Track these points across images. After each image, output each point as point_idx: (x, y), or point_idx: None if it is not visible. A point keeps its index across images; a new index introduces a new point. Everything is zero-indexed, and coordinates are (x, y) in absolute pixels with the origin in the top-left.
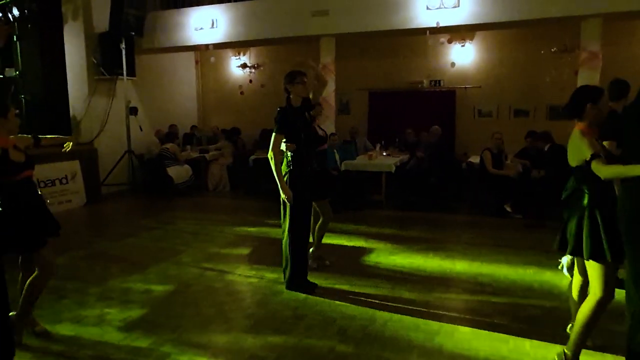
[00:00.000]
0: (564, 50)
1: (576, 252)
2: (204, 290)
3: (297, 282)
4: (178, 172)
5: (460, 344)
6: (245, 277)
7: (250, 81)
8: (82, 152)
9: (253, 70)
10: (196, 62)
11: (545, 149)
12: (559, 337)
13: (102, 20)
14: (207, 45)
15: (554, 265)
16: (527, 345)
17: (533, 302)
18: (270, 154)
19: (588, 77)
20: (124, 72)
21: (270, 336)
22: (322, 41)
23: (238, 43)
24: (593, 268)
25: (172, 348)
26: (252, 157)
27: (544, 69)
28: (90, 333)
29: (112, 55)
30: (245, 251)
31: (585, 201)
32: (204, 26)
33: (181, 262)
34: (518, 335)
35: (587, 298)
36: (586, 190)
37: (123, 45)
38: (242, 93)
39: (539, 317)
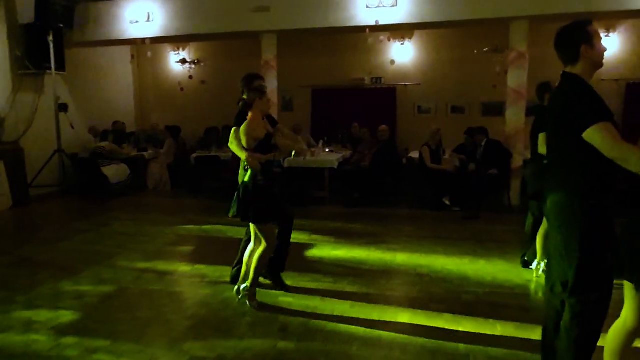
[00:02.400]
0: (495, 50)
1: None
2: (141, 293)
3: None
4: (114, 172)
5: (399, 332)
6: (186, 277)
7: (191, 77)
8: (6, 152)
9: (193, 66)
10: (132, 57)
11: (482, 144)
12: (492, 321)
13: (27, 11)
14: (143, 40)
15: (488, 254)
16: (461, 330)
17: (468, 289)
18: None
19: (517, 76)
20: (52, 67)
21: (211, 336)
22: (264, 37)
23: (176, 38)
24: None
25: (105, 355)
26: (194, 155)
27: (478, 68)
28: (16, 343)
29: (38, 49)
30: (186, 251)
31: None
32: (139, 19)
33: (117, 265)
34: (453, 322)
35: (618, 324)
36: None
37: (51, 38)
38: (182, 89)
39: (472, 303)
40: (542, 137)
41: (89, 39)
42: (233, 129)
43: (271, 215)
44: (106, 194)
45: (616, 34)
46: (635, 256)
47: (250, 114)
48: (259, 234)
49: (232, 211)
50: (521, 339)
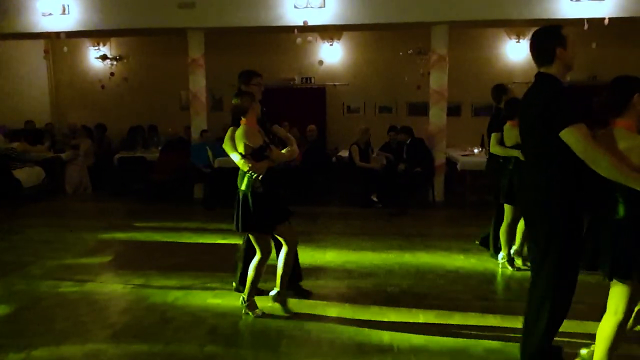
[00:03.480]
0: (418, 53)
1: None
2: (57, 304)
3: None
4: (27, 175)
5: (327, 328)
6: (108, 284)
7: (112, 74)
8: None
9: (115, 63)
10: (46, 52)
11: (407, 142)
12: (414, 311)
13: None
14: (57, 34)
15: (413, 247)
16: (385, 321)
17: (393, 282)
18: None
19: (438, 77)
20: None
21: (134, 344)
22: (190, 34)
23: (96, 32)
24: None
25: None
26: (118, 155)
27: (403, 69)
28: None
29: None
30: (108, 258)
31: (622, 212)
32: (53, 12)
33: (30, 275)
34: (378, 314)
35: (606, 319)
36: (621, 200)
37: None
38: (103, 87)
39: (397, 295)
40: (494, 138)
41: None
42: (230, 128)
43: (268, 224)
44: (19, 199)
45: (526, 40)
46: (603, 251)
47: (244, 119)
48: (254, 243)
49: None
50: (441, 324)
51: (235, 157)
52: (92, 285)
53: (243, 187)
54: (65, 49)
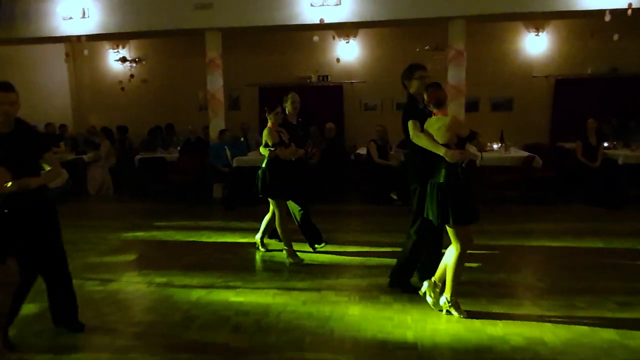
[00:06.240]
0: (435, 48)
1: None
2: (83, 303)
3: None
4: None
5: (350, 326)
6: (132, 284)
7: (132, 76)
8: None
9: (134, 65)
10: (67, 55)
11: None
12: (437, 310)
13: None
14: (78, 37)
15: None
16: (409, 319)
17: (414, 280)
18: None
19: (455, 73)
20: None
21: (161, 342)
22: (208, 35)
23: (115, 35)
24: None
25: None
26: (138, 156)
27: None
28: None
29: None
30: (131, 257)
31: (442, 178)
32: (73, 15)
33: None
34: (401, 312)
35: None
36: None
37: None
38: (122, 89)
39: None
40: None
41: (17, 35)
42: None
43: (470, 216)
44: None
45: (545, 33)
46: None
47: (436, 111)
48: (454, 237)
49: (430, 214)
50: (465, 322)
51: (437, 150)
52: (116, 284)
53: (441, 179)
54: (85, 52)
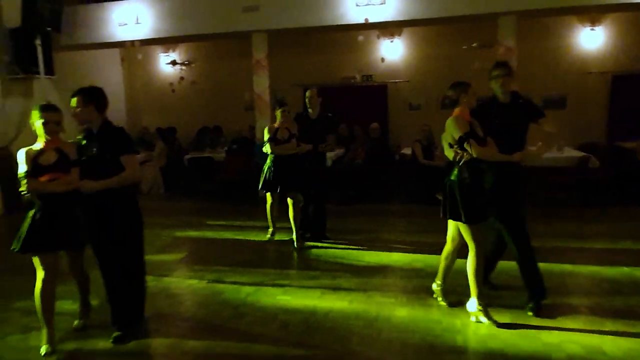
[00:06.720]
0: (483, 46)
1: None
2: None
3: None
4: None
5: (397, 327)
6: (184, 279)
7: (182, 78)
8: None
9: (184, 67)
10: (122, 60)
11: None
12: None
13: (13, 15)
14: (132, 42)
15: None
16: (458, 323)
17: (463, 282)
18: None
19: None
20: (41, 71)
21: (212, 337)
22: (254, 37)
23: (166, 39)
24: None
25: (106, 357)
26: (187, 156)
27: (467, 64)
28: (15, 349)
29: (26, 53)
30: (183, 253)
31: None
32: (127, 22)
33: None
34: (450, 315)
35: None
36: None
37: (38, 42)
38: (173, 91)
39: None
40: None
41: (77, 42)
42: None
43: (480, 215)
44: None
45: (601, 27)
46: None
47: (455, 110)
48: (467, 236)
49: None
50: (519, 327)
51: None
52: (169, 279)
53: (452, 177)
54: (139, 56)
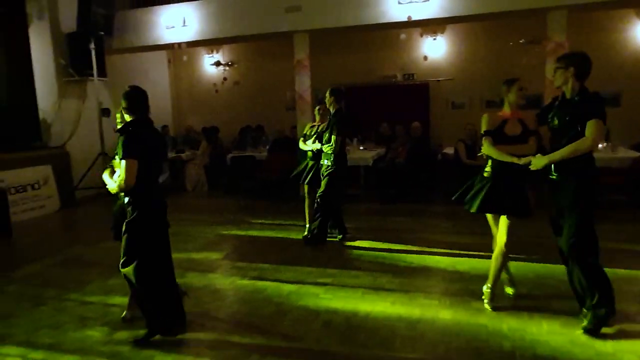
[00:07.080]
0: (531, 42)
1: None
2: (185, 290)
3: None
4: None
5: (442, 330)
6: (228, 275)
7: (225, 79)
8: (53, 156)
9: (227, 68)
10: (169, 61)
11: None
12: (537, 318)
13: (69, 20)
14: (179, 44)
15: (528, 250)
16: (505, 327)
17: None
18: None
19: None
20: (94, 73)
21: (255, 333)
22: (296, 37)
23: (210, 41)
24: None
25: (154, 350)
26: (230, 155)
27: (513, 60)
28: (71, 338)
29: (81, 56)
30: (226, 250)
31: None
32: (174, 24)
33: None
34: (496, 319)
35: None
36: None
37: (92, 46)
38: (217, 91)
39: (515, 300)
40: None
41: (128, 45)
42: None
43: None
44: None
45: None
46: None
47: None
48: (505, 228)
49: (474, 205)
50: (568, 334)
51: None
52: (213, 275)
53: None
54: (185, 57)
